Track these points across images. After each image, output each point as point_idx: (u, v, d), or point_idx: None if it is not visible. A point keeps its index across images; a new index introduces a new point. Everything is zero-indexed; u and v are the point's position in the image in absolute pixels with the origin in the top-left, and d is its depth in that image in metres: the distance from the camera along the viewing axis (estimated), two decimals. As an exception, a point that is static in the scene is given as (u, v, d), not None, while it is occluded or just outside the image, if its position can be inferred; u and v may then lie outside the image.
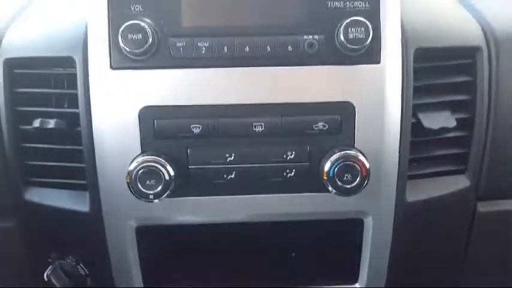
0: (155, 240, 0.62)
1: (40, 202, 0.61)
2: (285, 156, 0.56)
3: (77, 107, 0.57)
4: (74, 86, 0.57)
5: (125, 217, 0.59)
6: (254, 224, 0.61)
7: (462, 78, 0.61)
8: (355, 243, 0.64)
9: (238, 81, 0.54)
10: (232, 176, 0.56)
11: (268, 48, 0.53)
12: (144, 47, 0.51)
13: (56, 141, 0.59)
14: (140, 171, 0.52)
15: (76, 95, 0.57)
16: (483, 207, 0.65)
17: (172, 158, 0.54)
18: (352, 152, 0.54)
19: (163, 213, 0.58)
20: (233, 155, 0.55)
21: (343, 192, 0.54)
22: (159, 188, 0.53)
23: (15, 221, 0.63)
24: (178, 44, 0.53)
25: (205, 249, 0.65)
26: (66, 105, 0.59)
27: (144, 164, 0.52)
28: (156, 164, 0.53)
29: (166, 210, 0.58)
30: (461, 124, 0.61)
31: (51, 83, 0.58)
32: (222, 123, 0.54)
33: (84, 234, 0.61)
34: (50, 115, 0.59)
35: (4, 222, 0.63)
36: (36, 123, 0.58)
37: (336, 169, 0.53)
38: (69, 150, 0.59)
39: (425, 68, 0.59)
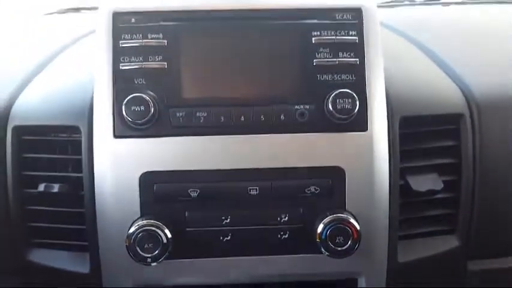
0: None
1: (42, 263, 0.63)
2: (279, 218, 0.58)
3: (81, 172, 0.60)
4: (78, 151, 0.60)
5: (123, 279, 0.60)
6: (249, 285, 0.62)
7: (448, 143, 0.64)
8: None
9: (234, 147, 0.57)
10: (228, 238, 0.58)
11: (262, 117, 0.57)
12: (146, 118, 0.55)
13: (59, 204, 0.62)
14: (139, 235, 0.55)
15: (80, 160, 0.60)
16: (474, 265, 0.66)
17: (171, 221, 0.56)
18: (343, 215, 0.56)
19: (161, 275, 0.59)
20: (229, 217, 0.58)
21: (335, 254, 0.56)
22: (157, 251, 0.55)
23: (18, 281, 0.64)
24: (178, 114, 0.56)
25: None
26: (70, 170, 0.62)
27: (143, 228, 0.55)
28: (154, 228, 0.55)
29: (163, 272, 0.59)
30: (449, 186, 0.63)
31: (56, 148, 0.62)
32: (219, 188, 0.57)
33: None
34: (54, 179, 0.62)
35: (8, 283, 0.64)
36: (41, 187, 0.61)
37: (328, 232, 0.55)
38: (71, 212, 0.62)
39: (412, 134, 0.62)
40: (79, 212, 0.61)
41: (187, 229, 0.58)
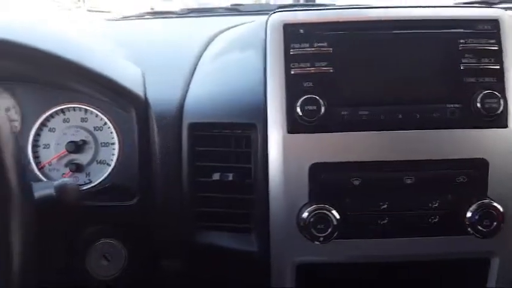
0: (311, 277, 0.72)
1: (211, 242, 0.72)
2: (430, 204, 0.66)
3: (249, 163, 0.69)
4: (248, 145, 0.69)
5: (289, 256, 0.69)
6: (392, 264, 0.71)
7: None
8: (479, 282, 0.72)
9: (393, 142, 0.65)
10: (385, 221, 0.66)
11: (417, 115, 0.65)
12: (317, 116, 0.63)
13: (228, 191, 0.71)
14: (312, 218, 0.63)
15: (248, 152, 0.69)
16: None
17: (335, 206, 0.65)
18: (488, 200, 0.64)
19: (324, 253, 0.68)
20: (386, 203, 0.66)
21: (482, 235, 0.64)
22: (328, 231, 0.63)
23: (186, 260, 0.74)
24: (343, 113, 0.65)
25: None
26: (239, 161, 0.70)
27: (317, 212, 0.63)
28: (325, 211, 0.63)
29: (326, 251, 0.67)
30: None
31: (227, 142, 0.70)
32: (378, 177, 0.65)
33: (248, 271, 0.72)
34: (223, 169, 0.71)
35: (176, 261, 0.74)
36: (216, 176, 0.70)
37: (476, 215, 0.63)
38: (238, 198, 0.71)
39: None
40: (245, 198, 0.70)
41: (349, 213, 0.66)
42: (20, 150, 0.42)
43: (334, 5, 1.07)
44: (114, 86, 0.68)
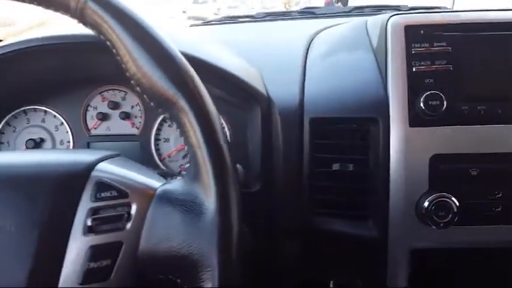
0: (424, 261, 0.77)
1: (327, 228, 0.78)
2: None
3: (366, 154, 0.74)
4: (364, 138, 0.74)
5: (406, 241, 0.74)
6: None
7: None
8: None
9: (510, 134, 0.70)
10: (499, 209, 0.71)
11: None
12: (439, 111, 0.69)
13: (345, 180, 0.76)
14: (434, 205, 0.68)
15: (366, 144, 0.74)
16: None
17: (454, 194, 0.70)
18: None
19: (440, 238, 0.73)
20: (501, 192, 0.71)
21: None
22: (449, 217, 0.68)
23: (301, 243, 0.79)
24: (463, 107, 0.70)
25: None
26: (356, 153, 0.76)
27: (438, 199, 0.68)
28: (446, 199, 0.68)
29: (443, 236, 0.72)
30: None
31: (347, 135, 0.76)
32: (495, 168, 0.70)
33: (363, 254, 0.77)
34: (339, 160, 0.76)
35: (294, 245, 0.79)
36: (336, 166, 0.75)
37: None
38: (354, 187, 0.76)
39: None
40: (363, 187, 0.75)
41: (467, 201, 0.71)
42: (225, 135, 0.47)
43: (445, 8, 1.12)
44: (245, 86, 0.74)
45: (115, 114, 0.89)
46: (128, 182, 0.48)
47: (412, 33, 0.72)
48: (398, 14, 0.75)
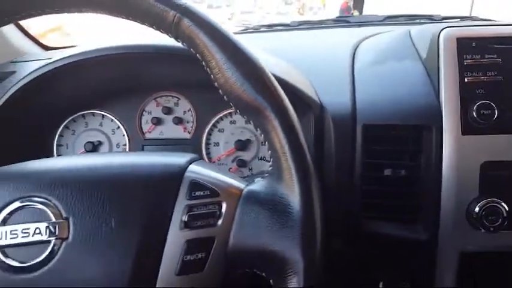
0: (472, 264, 0.79)
1: (377, 231, 0.81)
2: None
3: (417, 160, 0.77)
4: (415, 144, 0.77)
5: (456, 245, 0.77)
6: None
7: None
8: None
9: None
10: (547, 214, 0.74)
11: None
12: (491, 120, 0.72)
13: (394, 185, 0.79)
14: (484, 210, 0.71)
15: (417, 150, 0.77)
16: None
17: (504, 200, 0.73)
18: None
19: (489, 243, 0.75)
20: (541, 198, 0.74)
21: None
22: (499, 221, 0.71)
23: (352, 247, 0.82)
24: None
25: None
26: (404, 159, 0.79)
27: (489, 205, 0.71)
28: (496, 204, 0.71)
29: (491, 241, 0.75)
30: None
31: (399, 142, 0.79)
32: (543, 175, 0.73)
33: (411, 257, 0.80)
34: (391, 166, 0.79)
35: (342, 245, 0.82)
36: (388, 172, 0.79)
37: None
38: (405, 192, 0.79)
39: None
40: (413, 192, 0.78)
41: None
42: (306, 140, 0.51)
43: (494, 20, 1.15)
44: (299, 93, 0.78)
45: (168, 119, 0.93)
46: (217, 182, 0.52)
47: (464, 45, 0.75)
48: (450, 27, 0.78)
